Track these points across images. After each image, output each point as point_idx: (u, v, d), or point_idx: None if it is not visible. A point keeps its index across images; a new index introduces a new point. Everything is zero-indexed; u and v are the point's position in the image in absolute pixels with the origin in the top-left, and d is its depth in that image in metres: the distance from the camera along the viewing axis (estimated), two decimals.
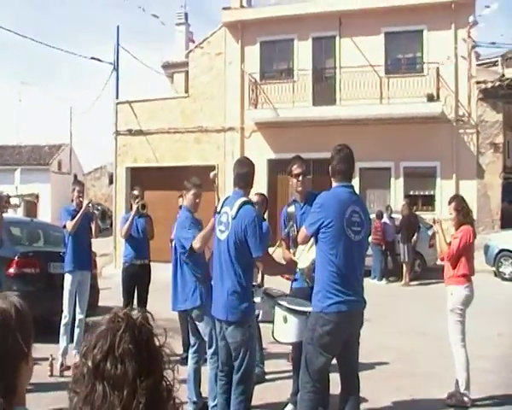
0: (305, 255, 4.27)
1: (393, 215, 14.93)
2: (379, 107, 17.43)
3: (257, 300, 4.33)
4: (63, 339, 6.56)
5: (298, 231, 4.39)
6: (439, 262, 15.13)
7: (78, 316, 6.73)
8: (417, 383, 5.94)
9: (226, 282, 4.02)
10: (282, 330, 4.19)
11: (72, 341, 6.65)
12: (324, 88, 18.59)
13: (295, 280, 4.76)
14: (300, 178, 4.69)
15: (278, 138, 18.13)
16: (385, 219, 14.78)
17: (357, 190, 15.02)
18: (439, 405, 5.25)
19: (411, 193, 17.63)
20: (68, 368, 6.28)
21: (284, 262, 4.64)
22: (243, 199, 4.06)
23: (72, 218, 6.68)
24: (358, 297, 3.81)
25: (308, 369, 3.80)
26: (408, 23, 17.39)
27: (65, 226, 6.77)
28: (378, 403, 5.23)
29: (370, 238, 14.23)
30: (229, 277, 4.01)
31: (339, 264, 3.70)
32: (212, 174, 5.50)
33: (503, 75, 19.36)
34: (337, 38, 18.26)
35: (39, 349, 6.84)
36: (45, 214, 25.14)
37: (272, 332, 4.26)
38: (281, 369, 6.19)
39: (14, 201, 5.77)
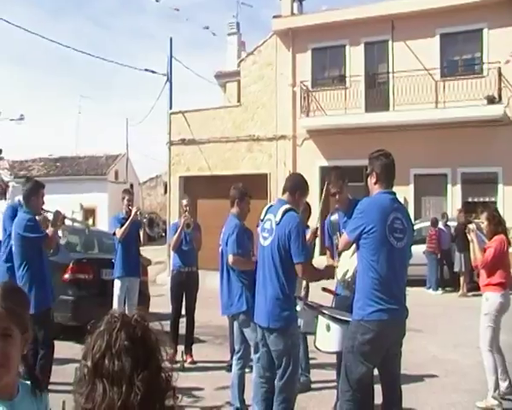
0: (348, 263, 4.19)
1: (449, 223, 14.43)
2: (434, 111, 16.93)
3: (298, 309, 4.29)
4: None
5: None
6: None
7: None
8: (468, 399, 5.63)
9: (269, 288, 4.03)
10: (324, 339, 4.14)
11: None
12: (377, 94, 18.28)
13: (337, 294, 4.74)
14: (336, 196, 4.73)
15: (330, 146, 17.95)
16: (440, 226, 14.30)
17: (411, 198, 14.63)
18: None
19: (470, 200, 16.97)
20: None
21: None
22: (287, 206, 4.08)
23: (122, 226, 6.85)
24: (400, 306, 3.69)
25: (348, 377, 3.72)
26: (466, 23, 16.73)
27: (114, 234, 6.95)
28: None
29: (425, 247, 13.93)
30: (272, 283, 4.01)
31: (380, 271, 3.61)
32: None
33: None
34: (390, 43, 17.92)
35: None
36: (103, 223, 25.88)
37: (314, 341, 4.21)
38: (327, 378, 6.06)
39: (67, 222, 6.06)
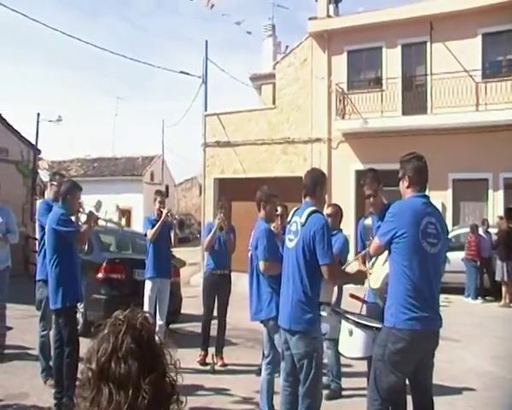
0: (380, 272, 4.05)
1: (490, 230, 13.97)
2: (475, 114, 16.42)
3: (324, 314, 4.23)
4: None
5: None
6: None
7: (158, 322, 6.85)
8: None
9: (292, 290, 3.99)
10: (347, 344, 4.06)
11: None
12: (414, 96, 17.89)
13: (366, 302, 4.62)
14: (371, 199, 4.61)
15: (366, 149, 17.66)
16: (480, 233, 13.87)
17: (449, 203, 14.16)
18: None
19: None
20: None
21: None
22: (313, 208, 4.04)
23: (153, 227, 6.86)
24: (434, 314, 3.52)
25: (377, 386, 3.58)
26: (510, 21, 16.01)
27: (146, 235, 6.98)
28: None
29: (464, 254, 13.52)
30: (295, 286, 3.96)
31: (413, 277, 3.46)
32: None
33: None
34: (428, 44, 17.50)
35: None
36: (138, 224, 26.15)
37: (338, 346, 4.16)
38: (359, 386, 5.90)
39: (101, 222, 6.10)
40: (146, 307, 6.75)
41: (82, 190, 5.46)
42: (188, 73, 21.43)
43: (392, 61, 18.07)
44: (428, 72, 17.44)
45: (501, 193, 16.61)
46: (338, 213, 5.89)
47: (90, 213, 5.44)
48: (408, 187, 3.72)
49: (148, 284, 6.94)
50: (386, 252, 3.76)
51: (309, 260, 3.89)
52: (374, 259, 4.24)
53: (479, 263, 13.59)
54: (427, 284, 3.49)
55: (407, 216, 3.55)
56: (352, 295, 4.66)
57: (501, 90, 16.32)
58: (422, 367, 3.59)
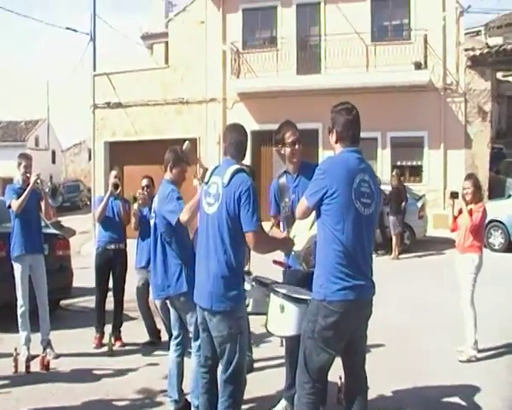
0: (304, 234, 3.64)
1: (382, 187, 14.45)
2: (365, 75, 16.94)
3: (247, 287, 3.76)
4: (22, 329, 5.96)
5: (291, 207, 3.89)
6: (428, 234, 14.79)
7: (40, 307, 6.12)
8: (421, 361, 5.59)
9: (213, 263, 3.44)
10: (278, 322, 3.57)
11: (38, 330, 6.10)
12: (309, 56, 18.04)
13: (289, 267, 4.15)
14: (296, 146, 4.13)
15: (261, 109, 17.60)
16: None
17: None
18: (448, 390, 4.89)
19: (398, 164, 17.32)
20: (34, 358, 5.70)
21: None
22: (237, 166, 3.51)
23: (19, 196, 5.91)
24: (368, 282, 3.23)
25: (307, 367, 3.24)
26: None
27: (10, 206, 5.97)
28: (379, 390, 4.65)
29: None
30: (217, 257, 3.42)
31: (346, 242, 3.12)
32: (185, 146, 4.79)
33: (488, 44, 18.84)
34: (322, 5, 17.72)
35: (4, 340, 6.14)
36: None
37: (266, 323, 3.65)
38: (270, 355, 5.63)
39: None
40: (19, 293, 5.90)
41: None
42: (75, 30, 19.99)
43: (287, 21, 18.08)
44: (322, 32, 17.62)
45: (388, 151, 17.45)
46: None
47: None
48: (336, 142, 3.38)
49: (17, 266, 5.95)
50: (312, 215, 3.39)
51: (233, 228, 3.39)
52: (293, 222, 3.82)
53: None
54: (360, 249, 3.17)
55: (339, 173, 3.18)
56: (275, 262, 4.21)
57: (388, 53, 16.94)
58: (356, 340, 3.31)
